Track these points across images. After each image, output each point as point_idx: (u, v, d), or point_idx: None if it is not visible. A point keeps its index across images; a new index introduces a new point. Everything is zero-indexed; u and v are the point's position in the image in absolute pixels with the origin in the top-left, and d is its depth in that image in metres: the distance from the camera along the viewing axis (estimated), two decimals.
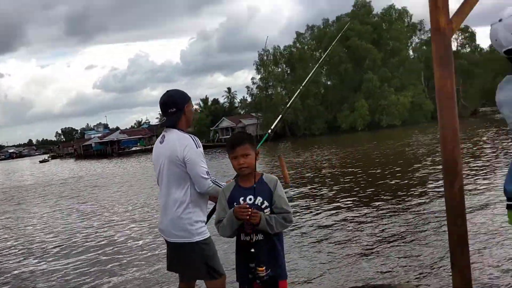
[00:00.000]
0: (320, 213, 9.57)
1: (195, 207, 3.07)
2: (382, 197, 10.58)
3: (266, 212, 2.58)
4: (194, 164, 3.03)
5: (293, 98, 4.60)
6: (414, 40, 68.40)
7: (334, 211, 9.61)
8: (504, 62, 2.29)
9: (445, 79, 2.70)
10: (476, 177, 11.28)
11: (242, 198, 2.63)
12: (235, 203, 2.60)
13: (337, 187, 13.09)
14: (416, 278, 5.02)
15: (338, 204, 10.42)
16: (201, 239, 3.07)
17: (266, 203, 2.60)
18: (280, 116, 3.88)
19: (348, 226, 8.13)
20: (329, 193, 12.20)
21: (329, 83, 65.30)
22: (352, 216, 8.92)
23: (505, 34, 2.13)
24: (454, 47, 59.17)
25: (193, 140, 3.08)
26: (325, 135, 57.20)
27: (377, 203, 9.88)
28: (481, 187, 9.90)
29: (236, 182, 2.73)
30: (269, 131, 3.72)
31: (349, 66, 57.91)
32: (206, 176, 3.04)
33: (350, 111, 56.98)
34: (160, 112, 3.48)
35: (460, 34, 62.06)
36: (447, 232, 2.76)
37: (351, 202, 10.50)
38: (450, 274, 2.87)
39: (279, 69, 67.58)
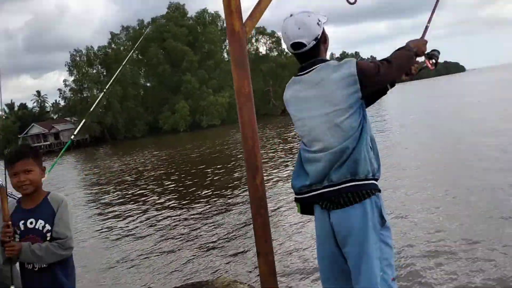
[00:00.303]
0: (140, 215, 9.43)
1: None
2: (203, 195, 10.86)
3: (49, 236, 2.29)
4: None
5: (95, 103, 4.35)
6: (227, 43, 71.70)
7: (156, 212, 9.54)
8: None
9: (242, 80, 2.87)
10: (279, 170, 12.43)
11: (22, 222, 2.32)
12: (15, 228, 2.26)
13: (160, 189, 13.03)
14: (228, 270, 5.30)
15: (159, 205, 10.39)
16: None
17: (48, 227, 2.31)
18: (83, 121, 3.67)
19: (170, 226, 8.16)
20: (152, 196, 12.07)
21: (148, 84, 64.54)
22: (174, 216, 8.98)
23: (293, 28, 2.29)
24: (263, 51, 63.68)
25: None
26: (147, 137, 56.46)
27: (198, 202, 10.10)
28: (282, 180, 10.91)
29: (18, 203, 2.40)
30: (72, 137, 3.47)
31: (167, 68, 58.04)
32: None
33: (171, 113, 57.13)
34: None
35: (268, 38, 66.88)
36: (252, 223, 2.94)
37: (173, 202, 10.56)
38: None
39: (94, 71, 64.40)
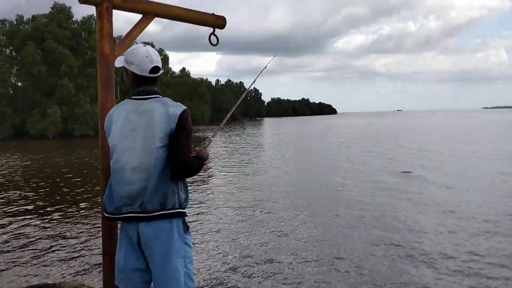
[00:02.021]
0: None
1: None
2: (61, 206, 10.66)
3: None
4: None
5: None
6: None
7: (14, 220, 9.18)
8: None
9: (106, 97, 3.23)
10: None
11: None
12: None
13: (16, 196, 12.41)
14: (78, 273, 5.46)
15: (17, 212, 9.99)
16: None
17: None
18: None
19: (18, 230, 7.95)
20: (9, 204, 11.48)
21: (19, 84, 59.86)
22: (34, 225, 8.73)
23: (154, 53, 2.77)
24: None
25: None
26: (11, 140, 52.14)
27: (57, 211, 9.91)
28: None
29: None
30: None
31: (44, 69, 54.55)
32: None
33: (41, 117, 53.49)
34: None
35: None
36: (101, 225, 3.27)
37: (33, 209, 10.21)
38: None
39: None
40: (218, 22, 3.88)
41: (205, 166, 2.99)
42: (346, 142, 29.64)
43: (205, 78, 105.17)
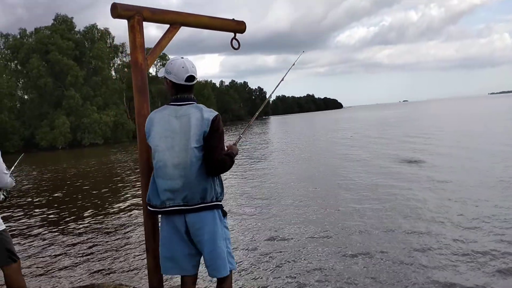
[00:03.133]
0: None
1: None
2: (84, 213, 10.91)
3: None
4: None
5: None
6: (116, 61, 70.17)
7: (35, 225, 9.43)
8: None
9: (142, 103, 3.45)
10: None
11: None
12: None
13: (39, 203, 12.67)
14: (113, 274, 5.69)
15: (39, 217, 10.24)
16: (2, 228, 3.40)
17: None
18: None
19: (55, 235, 8.20)
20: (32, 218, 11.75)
21: (26, 97, 60.41)
22: (58, 226, 8.98)
23: (190, 65, 3.10)
24: (153, 72, 63.27)
25: None
26: (21, 153, 52.53)
27: (80, 220, 10.16)
28: None
29: None
30: None
31: (50, 81, 55.05)
32: (6, 172, 3.35)
33: (50, 128, 54.00)
34: None
35: (158, 60, 66.77)
36: (144, 224, 3.49)
37: (58, 217, 10.46)
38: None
39: None
40: (238, 27, 4.09)
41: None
42: (353, 136, 29.75)
43: (209, 80, 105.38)
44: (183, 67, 3.07)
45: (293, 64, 4.31)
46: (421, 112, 70.44)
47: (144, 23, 3.47)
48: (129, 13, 3.36)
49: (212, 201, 3.05)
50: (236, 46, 4.11)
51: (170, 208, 3.04)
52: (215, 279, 3.21)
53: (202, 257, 3.16)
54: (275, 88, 4.18)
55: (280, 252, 6.39)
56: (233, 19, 4.08)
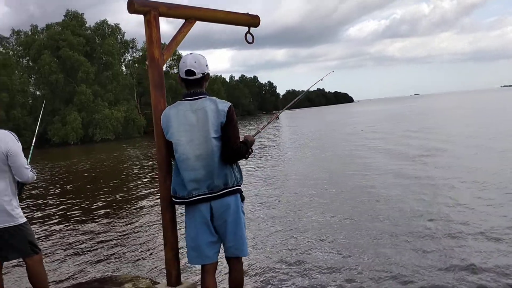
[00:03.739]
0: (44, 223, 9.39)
1: (14, 195, 3.42)
2: (100, 207, 11.02)
3: None
4: (17, 156, 3.37)
5: None
6: (127, 57, 70.41)
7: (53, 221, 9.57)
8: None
9: (159, 98, 3.49)
10: None
11: None
12: None
13: (55, 201, 12.83)
14: (131, 267, 5.77)
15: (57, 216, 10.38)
16: (24, 221, 3.48)
17: None
18: None
19: (75, 228, 8.32)
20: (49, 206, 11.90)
21: (38, 93, 60.90)
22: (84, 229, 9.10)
23: (191, 60, 3.21)
24: (164, 68, 63.31)
25: (13, 135, 3.41)
26: (35, 148, 53.09)
27: (96, 213, 10.27)
28: None
29: None
30: None
31: (61, 77, 55.43)
32: (28, 167, 3.43)
33: (62, 124, 54.44)
34: None
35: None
36: (161, 217, 3.54)
37: (78, 214, 10.59)
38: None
39: None
40: (253, 21, 4.11)
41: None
42: (364, 130, 29.65)
43: (219, 74, 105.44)
44: (183, 62, 3.22)
45: (321, 79, 4.89)
46: (432, 106, 69.94)
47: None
48: (146, 8, 3.39)
49: (233, 186, 3.23)
50: (250, 40, 4.13)
51: (196, 198, 3.18)
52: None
53: (221, 243, 3.32)
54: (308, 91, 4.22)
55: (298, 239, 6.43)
56: (247, 13, 4.10)
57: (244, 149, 3.25)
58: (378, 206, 8.36)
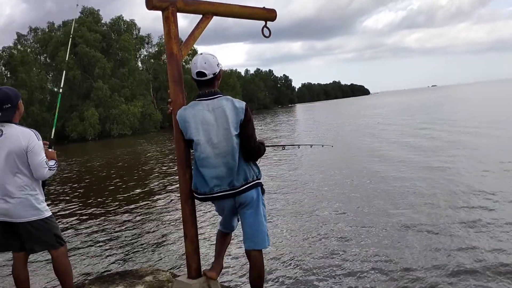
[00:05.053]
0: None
1: (39, 189, 3.52)
2: (120, 201, 11.17)
3: None
4: (36, 154, 3.43)
5: None
6: (142, 52, 70.80)
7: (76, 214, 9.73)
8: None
9: (178, 93, 3.52)
10: None
11: None
12: None
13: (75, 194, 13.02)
14: (151, 260, 5.86)
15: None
16: (49, 214, 3.60)
17: None
18: None
19: (99, 223, 8.45)
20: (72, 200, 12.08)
21: (56, 90, 61.62)
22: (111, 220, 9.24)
23: (201, 61, 3.28)
24: None
25: (34, 133, 3.47)
26: (53, 144, 53.84)
27: (116, 207, 10.41)
28: None
29: None
30: None
31: (78, 73, 56.04)
32: (45, 165, 3.47)
33: (80, 120, 55.09)
34: None
35: None
36: (181, 211, 3.58)
37: (104, 209, 10.75)
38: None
39: None
40: (269, 14, 4.11)
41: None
42: (380, 122, 29.43)
43: (234, 69, 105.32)
44: (194, 64, 3.31)
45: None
46: (450, 97, 69.03)
47: None
48: (164, 4, 3.42)
49: (253, 180, 3.31)
50: (267, 34, 4.13)
51: (218, 194, 3.27)
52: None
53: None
54: None
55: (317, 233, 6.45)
56: (264, 7, 4.10)
57: (262, 148, 3.37)
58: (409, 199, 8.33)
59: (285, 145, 4.02)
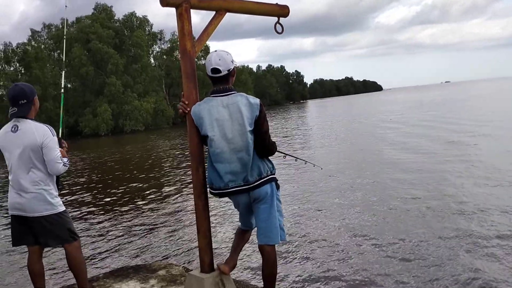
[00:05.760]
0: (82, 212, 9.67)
1: (53, 185, 3.58)
2: (133, 195, 11.27)
3: None
4: (51, 150, 3.48)
5: None
6: (155, 48, 71.05)
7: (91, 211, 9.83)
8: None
9: (191, 89, 3.55)
10: None
11: None
12: None
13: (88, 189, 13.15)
14: (164, 254, 5.92)
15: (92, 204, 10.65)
16: (63, 209, 3.63)
17: None
18: None
19: (113, 219, 8.54)
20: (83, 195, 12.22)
21: (69, 86, 62.13)
22: (121, 212, 9.33)
23: (215, 58, 3.32)
24: None
25: (49, 129, 3.52)
26: (67, 140, 54.24)
27: (129, 202, 10.51)
28: None
29: None
30: None
31: (91, 70, 56.45)
32: (60, 161, 3.52)
33: (93, 116, 55.52)
34: None
35: None
36: (194, 205, 3.62)
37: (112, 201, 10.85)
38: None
39: (12, 68, 60.98)
40: (282, 11, 4.12)
41: None
42: (393, 119, 29.24)
43: (246, 65, 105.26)
44: (209, 60, 3.34)
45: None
46: (464, 94, 68.30)
47: None
48: (178, 1, 3.44)
49: (268, 175, 3.34)
50: (280, 30, 4.13)
51: (233, 189, 3.31)
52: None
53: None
54: None
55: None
56: (277, 3, 4.11)
57: (275, 146, 3.42)
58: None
59: (286, 154, 4.02)
